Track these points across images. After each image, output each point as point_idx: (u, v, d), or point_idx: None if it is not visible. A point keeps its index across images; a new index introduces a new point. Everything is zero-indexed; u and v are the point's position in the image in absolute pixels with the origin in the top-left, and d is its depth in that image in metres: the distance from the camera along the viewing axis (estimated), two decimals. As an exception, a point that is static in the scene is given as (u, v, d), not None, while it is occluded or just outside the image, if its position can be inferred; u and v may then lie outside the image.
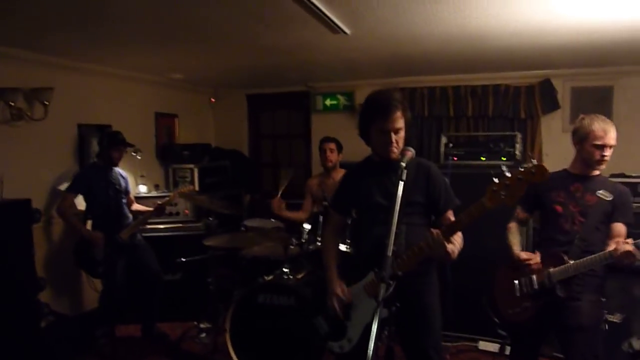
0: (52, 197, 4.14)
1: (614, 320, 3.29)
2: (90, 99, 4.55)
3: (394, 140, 2.12)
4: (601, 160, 2.50)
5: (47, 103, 3.90)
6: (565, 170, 2.66)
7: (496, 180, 1.86)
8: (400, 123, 2.13)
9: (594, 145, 2.48)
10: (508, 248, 2.69)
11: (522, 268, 2.57)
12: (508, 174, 1.85)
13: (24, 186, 3.74)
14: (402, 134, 2.15)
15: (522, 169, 1.84)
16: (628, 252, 2.24)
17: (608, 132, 2.47)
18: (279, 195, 4.06)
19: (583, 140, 2.53)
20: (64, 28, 3.23)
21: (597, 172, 2.58)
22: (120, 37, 3.55)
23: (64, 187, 3.99)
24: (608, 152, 2.48)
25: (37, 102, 3.90)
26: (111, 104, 4.79)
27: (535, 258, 2.54)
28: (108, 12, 2.91)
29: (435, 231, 1.97)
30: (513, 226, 2.77)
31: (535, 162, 1.85)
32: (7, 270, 3.14)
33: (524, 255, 2.59)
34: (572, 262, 2.39)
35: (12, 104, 3.70)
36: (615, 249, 2.28)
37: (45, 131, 4.03)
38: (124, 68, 4.83)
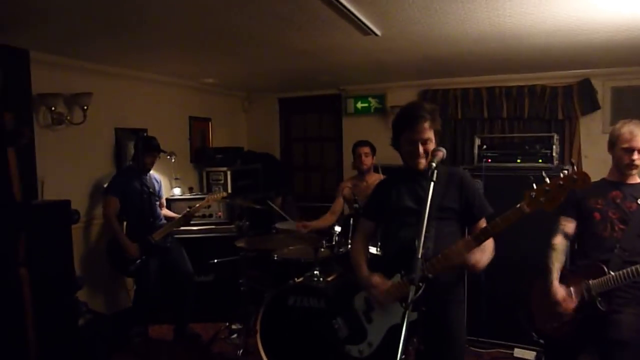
0: (91, 198, 4.27)
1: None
2: (126, 104, 4.68)
3: (421, 151, 2.13)
4: (631, 165, 2.40)
5: (86, 108, 4.02)
6: (603, 179, 2.56)
7: (535, 185, 1.81)
8: (428, 134, 2.13)
9: (622, 148, 2.40)
10: (547, 270, 2.53)
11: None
12: (548, 179, 1.80)
13: (64, 188, 3.87)
14: (430, 144, 2.15)
15: (563, 175, 1.79)
16: None
17: (636, 135, 2.36)
18: (298, 220, 4.11)
19: (614, 144, 2.47)
20: (102, 36, 3.34)
21: (637, 179, 2.47)
22: (155, 44, 3.64)
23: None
24: (637, 157, 2.38)
25: (76, 107, 4.04)
26: (147, 108, 4.92)
27: (568, 307, 2.40)
28: (143, 20, 2.99)
29: (462, 240, 1.94)
30: (558, 243, 2.56)
31: (575, 167, 1.80)
32: (47, 269, 3.25)
33: (559, 295, 2.43)
34: (612, 273, 2.29)
35: (53, 108, 3.84)
36: None
37: (84, 135, 4.16)
38: (159, 73, 4.94)
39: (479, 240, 1.95)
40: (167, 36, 3.44)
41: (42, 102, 3.78)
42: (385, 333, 2.14)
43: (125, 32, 3.28)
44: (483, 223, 2.18)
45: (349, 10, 2.74)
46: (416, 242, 1.69)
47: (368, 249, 2.51)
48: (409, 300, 1.56)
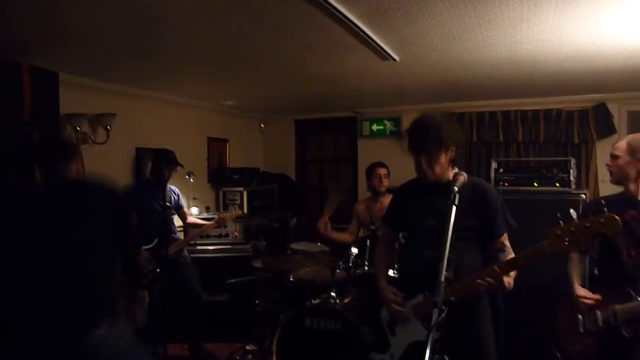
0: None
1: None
2: (147, 124, 4.79)
3: (424, 167, 2.17)
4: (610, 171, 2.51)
5: (109, 128, 4.13)
6: (622, 194, 2.52)
7: (561, 223, 1.82)
8: (434, 150, 2.14)
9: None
10: (569, 281, 2.58)
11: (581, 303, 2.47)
12: (574, 217, 1.81)
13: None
14: (437, 159, 2.15)
15: (592, 218, 1.79)
16: None
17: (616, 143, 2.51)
18: (325, 215, 4.09)
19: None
20: (128, 59, 3.45)
21: None
22: (180, 67, 3.75)
23: None
24: (610, 162, 2.49)
25: (100, 127, 4.14)
26: (167, 128, 5.02)
27: (593, 296, 2.42)
28: (170, 45, 3.10)
29: (496, 269, 1.96)
30: (574, 256, 2.64)
31: (606, 210, 1.79)
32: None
33: (581, 291, 2.48)
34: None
35: (78, 128, 3.95)
36: None
37: (106, 154, 4.25)
38: (181, 95, 5.06)
39: (503, 273, 1.98)
40: (192, 60, 3.54)
41: (68, 122, 3.89)
42: (406, 347, 2.16)
43: (151, 56, 3.39)
44: (505, 240, 2.20)
45: (369, 36, 2.81)
46: (439, 265, 1.71)
47: (391, 257, 2.56)
48: (432, 323, 1.58)
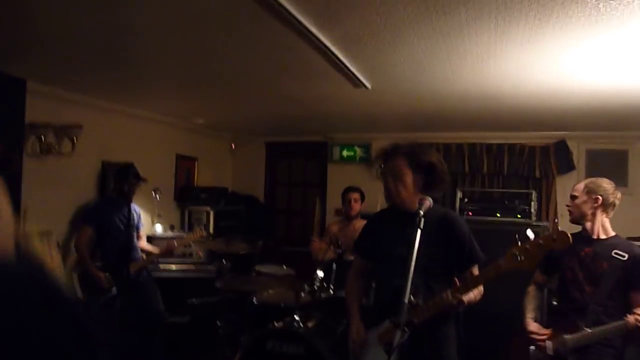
0: (72, 229, 4.20)
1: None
2: (115, 138, 4.70)
3: (389, 186, 2.22)
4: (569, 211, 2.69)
5: (75, 139, 4.04)
6: (579, 232, 2.63)
7: (519, 242, 1.89)
8: (399, 170, 2.21)
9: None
10: (522, 314, 2.68)
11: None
12: (532, 237, 1.88)
13: (47, 218, 3.81)
14: (403, 179, 2.20)
15: (543, 235, 1.89)
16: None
17: (575, 185, 2.71)
18: (317, 236, 4.21)
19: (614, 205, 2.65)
20: (97, 70, 3.39)
21: (609, 234, 2.57)
22: (148, 81, 3.72)
23: None
24: (570, 202, 2.68)
25: (65, 138, 4.04)
26: (135, 143, 4.94)
27: (543, 332, 2.53)
28: (139, 58, 3.08)
29: (447, 292, 1.99)
30: (531, 290, 2.77)
31: (557, 227, 1.89)
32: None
33: (532, 326, 2.59)
34: (588, 329, 2.37)
35: (43, 138, 3.85)
36: (628, 322, 2.27)
37: (71, 166, 4.14)
38: (151, 110, 5.00)
39: (461, 292, 2.00)
40: (164, 76, 3.53)
41: (32, 131, 3.78)
42: None
43: (123, 69, 3.35)
44: (475, 270, 2.21)
45: (343, 63, 2.88)
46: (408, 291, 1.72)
47: (361, 288, 2.53)
48: (394, 345, 1.58)
